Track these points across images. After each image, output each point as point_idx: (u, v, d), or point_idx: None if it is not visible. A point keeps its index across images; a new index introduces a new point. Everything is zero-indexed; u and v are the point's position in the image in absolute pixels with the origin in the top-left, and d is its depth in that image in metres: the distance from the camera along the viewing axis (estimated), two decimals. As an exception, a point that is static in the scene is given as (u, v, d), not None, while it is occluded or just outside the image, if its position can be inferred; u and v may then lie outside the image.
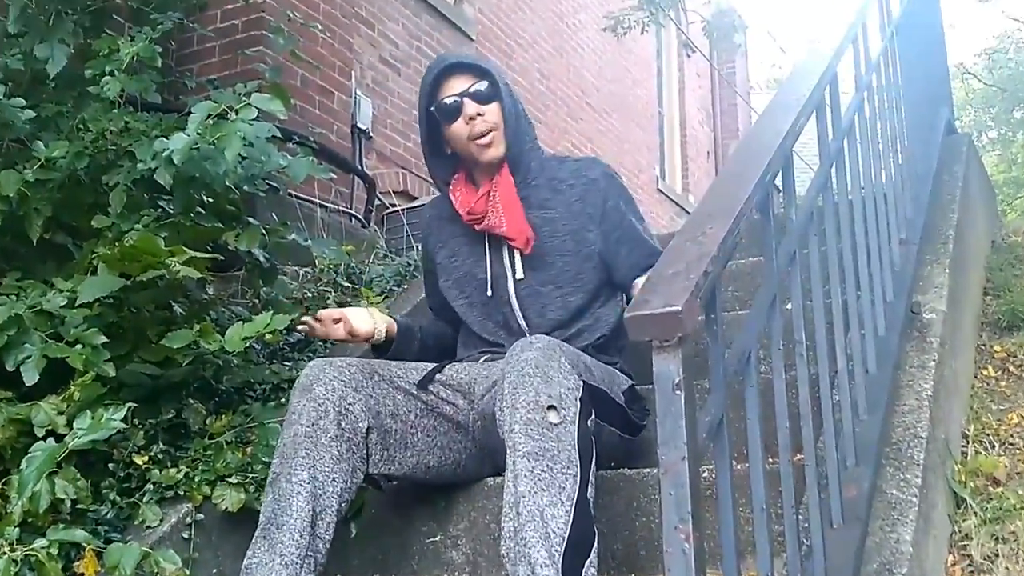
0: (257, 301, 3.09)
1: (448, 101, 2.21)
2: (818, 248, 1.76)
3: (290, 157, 2.77)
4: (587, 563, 1.70)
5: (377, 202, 5.06)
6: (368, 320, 2.27)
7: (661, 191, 9.96)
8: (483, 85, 2.21)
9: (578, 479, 1.75)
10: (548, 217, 2.23)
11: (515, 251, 2.22)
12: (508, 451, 1.78)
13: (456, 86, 2.21)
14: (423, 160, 2.40)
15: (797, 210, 1.67)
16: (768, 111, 1.81)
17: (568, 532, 1.69)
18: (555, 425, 1.77)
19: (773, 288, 1.49)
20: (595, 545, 1.73)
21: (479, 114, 2.19)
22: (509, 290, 2.23)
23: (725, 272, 1.40)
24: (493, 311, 2.27)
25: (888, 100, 2.54)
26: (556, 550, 1.67)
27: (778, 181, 1.62)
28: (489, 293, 2.25)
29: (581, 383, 1.86)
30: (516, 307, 2.23)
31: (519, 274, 2.22)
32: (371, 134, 5.37)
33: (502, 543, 1.74)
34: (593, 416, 1.88)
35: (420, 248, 2.48)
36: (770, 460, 1.60)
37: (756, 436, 1.40)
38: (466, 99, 2.19)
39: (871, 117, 2.31)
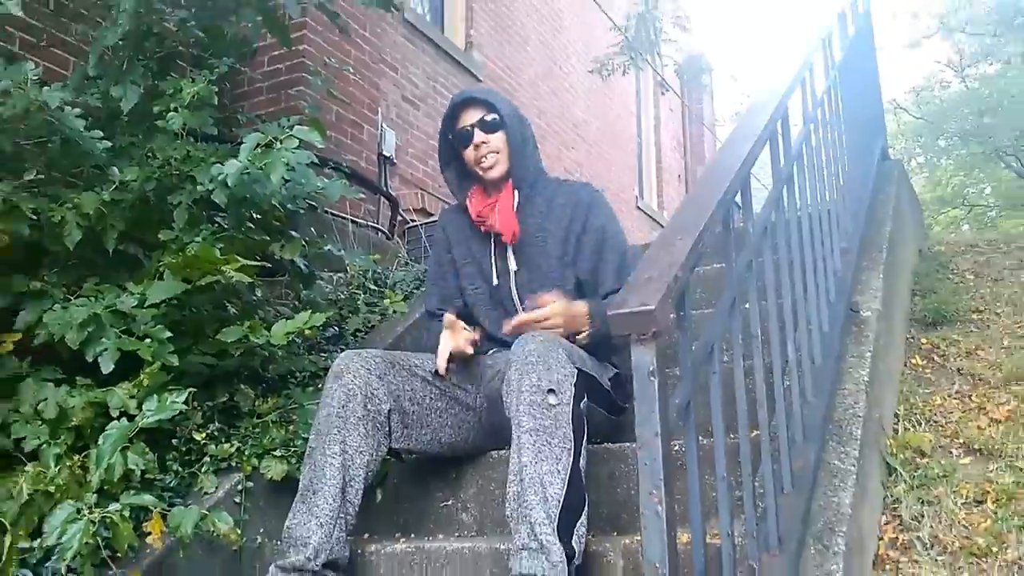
0: (298, 302, 3.09)
1: (462, 130, 2.26)
2: (771, 257, 1.76)
3: (326, 180, 2.78)
4: (579, 523, 1.71)
5: (400, 218, 5.06)
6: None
7: (640, 208, 9.95)
8: (491, 116, 2.24)
9: (572, 452, 1.75)
10: (542, 226, 2.24)
11: (512, 250, 2.24)
12: (513, 427, 1.78)
13: (469, 117, 2.25)
14: (441, 176, 2.42)
15: (754, 224, 1.67)
16: (729, 141, 1.81)
17: (563, 496, 1.70)
18: (553, 406, 1.77)
19: (733, 291, 1.48)
20: (586, 508, 1.74)
21: (484, 142, 2.23)
22: (510, 282, 2.24)
23: (693, 277, 1.40)
24: (496, 302, 2.26)
25: (831, 131, 2.54)
26: (553, 512, 1.68)
27: (738, 200, 1.61)
28: (495, 283, 2.25)
29: (576, 371, 1.86)
30: (515, 296, 2.23)
31: (513, 266, 2.24)
32: (395, 161, 5.37)
33: (507, 505, 1.74)
34: (585, 399, 1.88)
35: (439, 241, 2.40)
36: (731, 436, 1.61)
37: (719, 416, 1.40)
38: (476, 129, 2.24)
39: (817, 145, 2.30)
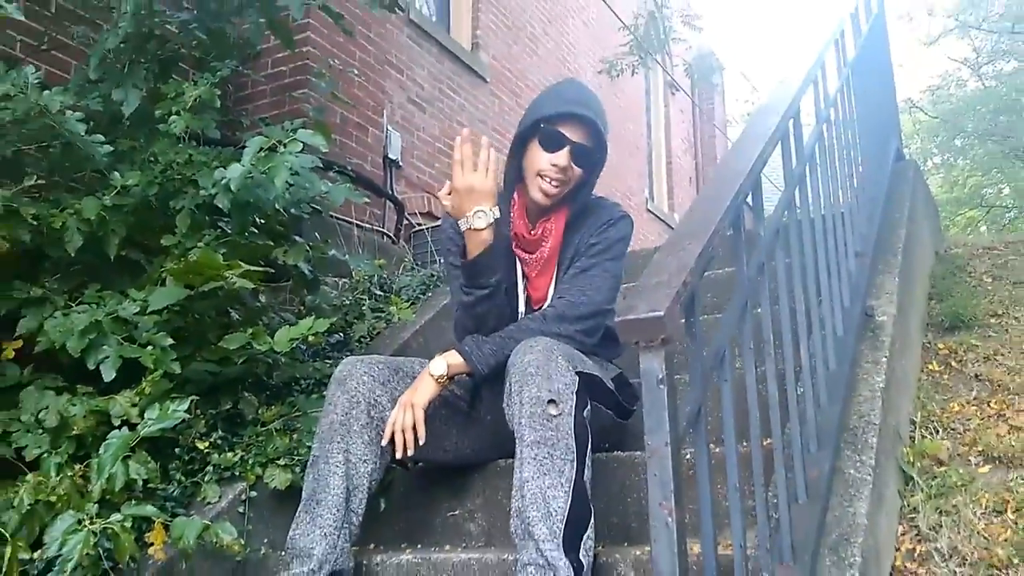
0: (302, 308, 3.10)
1: (556, 134, 2.04)
2: (784, 260, 1.75)
3: (330, 184, 2.78)
4: (585, 535, 1.69)
5: (405, 222, 5.07)
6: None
7: (650, 211, 9.95)
8: (590, 149, 2.06)
9: (575, 463, 1.73)
10: (567, 257, 2.12)
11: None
12: (517, 441, 1.77)
13: (572, 130, 2.04)
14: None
15: (765, 227, 1.66)
16: (739, 141, 1.80)
17: (567, 511, 1.68)
18: (554, 416, 1.75)
19: (744, 295, 1.47)
20: (591, 520, 1.72)
21: (565, 170, 2.04)
22: (519, 298, 2.15)
23: (704, 280, 1.39)
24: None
25: (844, 131, 2.52)
26: (557, 527, 1.66)
27: (750, 201, 1.60)
28: (521, 310, 2.13)
29: (577, 378, 1.83)
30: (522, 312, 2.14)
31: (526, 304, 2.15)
32: (400, 164, 5.38)
33: (511, 520, 1.73)
34: (588, 407, 1.85)
35: (451, 240, 2.17)
36: (743, 444, 1.60)
37: (730, 424, 1.39)
38: (568, 148, 2.04)
39: (829, 146, 2.29)
